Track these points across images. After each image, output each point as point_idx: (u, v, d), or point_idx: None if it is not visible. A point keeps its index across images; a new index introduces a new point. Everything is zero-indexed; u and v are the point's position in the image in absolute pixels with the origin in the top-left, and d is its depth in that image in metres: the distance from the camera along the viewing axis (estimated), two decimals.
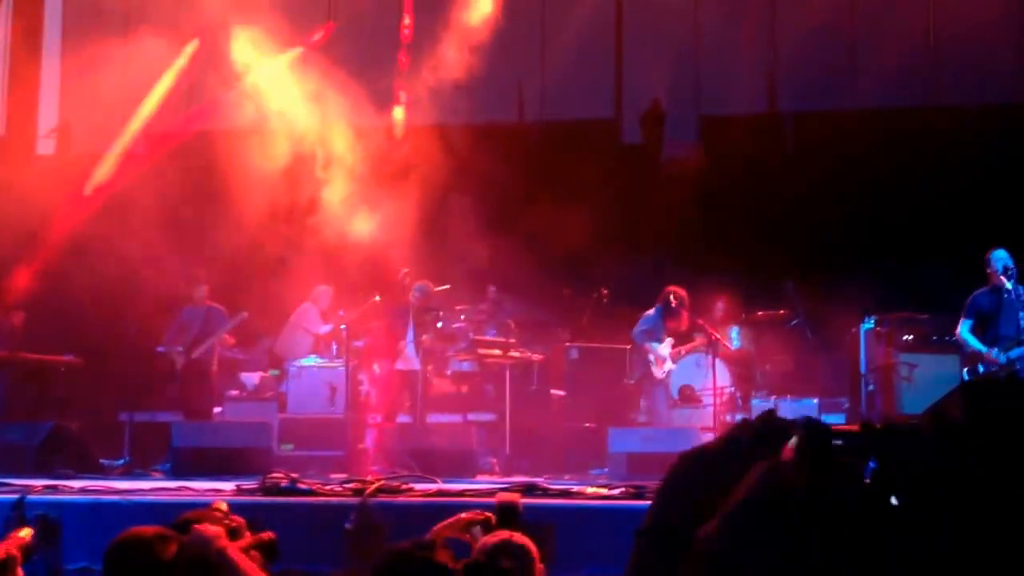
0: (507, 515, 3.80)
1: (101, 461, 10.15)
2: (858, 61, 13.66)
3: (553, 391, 11.66)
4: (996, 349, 9.47)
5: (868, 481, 1.35)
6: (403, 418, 10.83)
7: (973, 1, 12.74)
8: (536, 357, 11.62)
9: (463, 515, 4.09)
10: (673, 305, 11.08)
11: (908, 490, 1.30)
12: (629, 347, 11.55)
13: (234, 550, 3.85)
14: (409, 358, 11.01)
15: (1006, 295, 9.49)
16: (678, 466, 1.35)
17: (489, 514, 3.88)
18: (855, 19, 13.58)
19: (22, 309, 12.09)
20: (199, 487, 7.87)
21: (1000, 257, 9.53)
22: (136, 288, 11.41)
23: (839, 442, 1.38)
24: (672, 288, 11.14)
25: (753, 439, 1.38)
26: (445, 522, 4.21)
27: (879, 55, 13.34)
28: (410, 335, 11.04)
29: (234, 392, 11.95)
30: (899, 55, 13.26)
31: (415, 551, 3.35)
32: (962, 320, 9.72)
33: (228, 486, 7.76)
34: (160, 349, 11.29)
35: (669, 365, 11.21)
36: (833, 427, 1.38)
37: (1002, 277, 9.45)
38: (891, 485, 1.29)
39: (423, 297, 11.17)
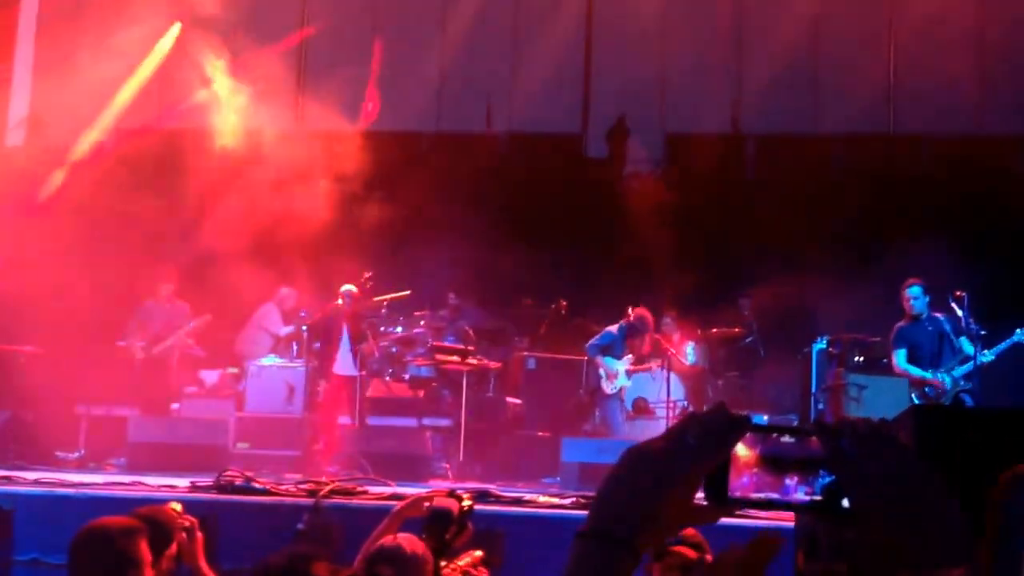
0: (439, 520, 3.77)
1: (56, 453, 10.13)
2: (821, 87, 13.91)
3: (509, 399, 11.74)
4: (940, 372, 9.74)
5: (820, 495, 1.25)
6: (344, 420, 10.91)
7: (935, 32, 13.01)
8: (493, 365, 11.70)
9: (422, 495, 4.08)
10: (639, 328, 11.27)
11: (862, 491, 1.21)
12: (586, 359, 11.69)
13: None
14: (346, 364, 11.12)
15: (927, 324, 9.87)
16: (620, 465, 1.25)
17: (454, 499, 3.80)
18: (819, 46, 13.82)
19: None
20: (154, 483, 7.88)
21: (914, 290, 9.90)
22: (98, 280, 11.39)
23: (790, 441, 1.27)
24: (641, 311, 11.32)
25: (701, 435, 1.24)
26: (404, 502, 4.23)
27: (842, 82, 13.59)
28: (345, 341, 11.14)
29: (192, 389, 11.95)
30: (861, 83, 13.53)
31: (292, 563, 3.25)
32: (895, 351, 10.03)
33: (183, 482, 7.77)
34: (120, 343, 11.30)
35: (622, 381, 11.34)
36: (783, 425, 1.35)
37: (917, 310, 9.85)
38: (845, 487, 1.23)
39: (352, 303, 11.22)
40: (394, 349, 11.71)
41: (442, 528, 3.69)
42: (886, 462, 1.22)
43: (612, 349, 11.36)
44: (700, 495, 1.26)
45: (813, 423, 1.26)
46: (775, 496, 1.28)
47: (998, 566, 0.92)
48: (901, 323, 10.08)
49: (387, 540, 3.66)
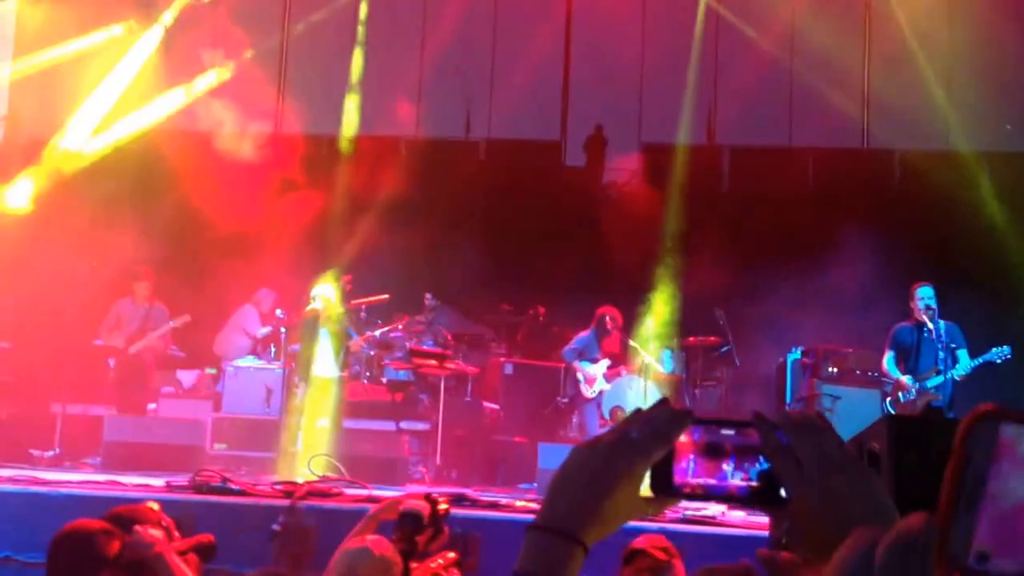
0: (409, 522, 3.77)
1: (31, 451, 10.09)
2: (795, 102, 14.06)
3: (487, 404, 11.77)
4: (910, 377, 9.83)
5: (756, 483, 1.29)
6: (322, 423, 10.90)
7: (906, 52, 13.23)
8: (471, 370, 11.72)
9: (397, 498, 4.08)
10: (608, 326, 11.38)
11: (795, 478, 1.25)
12: (564, 366, 11.75)
13: (171, 554, 3.94)
14: (327, 365, 11.09)
15: (926, 333, 9.82)
16: (568, 461, 1.31)
17: (427, 502, 3.80)
18: (794, 62, 13.98)
19: None
20: (129, 482, 7.87)
21: (925, 295, 9.82)
22: (74, 278, 11.36)
23: (730, 432, 1.31)
24: (606, 309, 11.42)
25: (644, 429, 1.29)
26: (379, 505, 4.25)
27: (815, 98, 13.75)
28: (324, 343, 11.14)
29: (169, 389, 11.92)
30: (834, 98, 13.71)
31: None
32: (886, 352, 10.07)
33: (159, 482, 7.76)
34: (97, 342, 11.25)
35: (601, 384, 11.40)
36: (724, 417, 1.34)
37: (924, 316, 9.78)
38: (780, 474, 1.26)
39: (322, 306, 11.21)
40: (372, 352, 11.73)
41: (413, 530, 3.70)
42: (817, 449, 1.26)
43: (587, 353, 11.43)
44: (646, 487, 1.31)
45: (752, 414, 1.30)
46: (714, 484, 1.32)
47: (958, 513, 0.98)
48: (899, 324, 10.11)
49: (354, 542, 3.67)
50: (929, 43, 13.36)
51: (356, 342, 11.25)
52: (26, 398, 11.09)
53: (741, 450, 1.31)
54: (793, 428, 1.28)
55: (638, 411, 1.32)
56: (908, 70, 13.26)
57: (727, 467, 1.31)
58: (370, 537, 3.71)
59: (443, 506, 3.84)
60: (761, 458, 1.30)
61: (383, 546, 3.58)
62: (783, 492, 1.28)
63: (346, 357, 11.20)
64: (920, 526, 1.09)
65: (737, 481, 1.31)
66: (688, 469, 1.31)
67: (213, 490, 7.45)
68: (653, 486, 1.30)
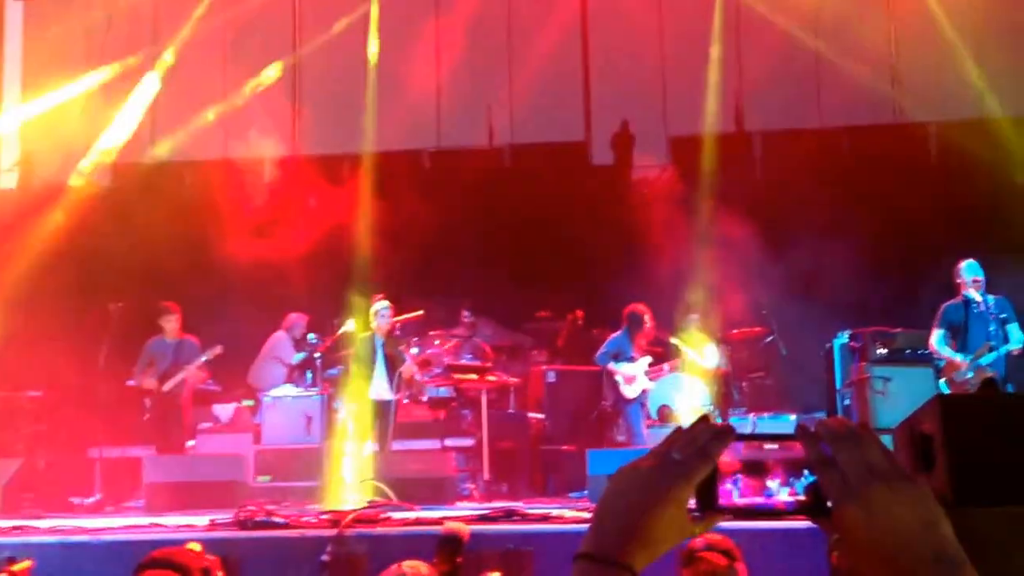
0: (449, 546, 3.68)
1: (71, 499, 9.99)
2: (823, 81, 13.80)
3: (531, 415, 11.57)
4: (964, 355, 9.55)
5: (803, 496, 1.28)
6: (370, 447, 10.68)
7: (933, 20, 12.93)
8: (513, 381, 11.54)
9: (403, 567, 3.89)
10: (639, 324, 11.12)
11: (840, 489, 1.23)
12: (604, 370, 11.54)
13: None
14: (379, 387, 10.87)
15: (975, 307, 9.60)
16: (613, 483, 1.30)
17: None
18: (818, 39, 13.71)
19: None
20: (172, 523, 7.74)
21: (970, 269, 9.63)
22: (104, 321, 11.25)
23: (773, 447, 1.31)
24: (634, 306, 11.19)
25: (686, 451, 1.27)
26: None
27: (843, 74, 13.47)
28: (380, 363, 10.89)
29: (207, 424, 11.79)
30: (862, 74, 13.41)
31: None
32: (934, 330, 9.80)
33: (202, 521, 7.64)
34: (130, 383, 11.09)
35: (642, 383, 11.13)
36: (766, 433, 1.36)
37: (971, 289, 9.56)
38: (824, 487, 1.25)
39: (386, 321, 11.01)
40: (424, 377, 11.54)
41: (453, 552, 3.65)
42: (860, 459, 1.25)
43: (622, 353, 11.16)
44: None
45: (795, 428, 1.30)
46: (760, 500, 1.32)
47: None
48: (947, 302, 9.85)
49: (392, 569, 3.62)
50: (954, 9, 13.06)
51: (408, 367, 10.99)
52: (63, 445, 11.00)
53: (785, 464, 1.32)
54: (835, 439, 1.27)
55: (678, 430, 1.32)
56: (935, 39, 12.94)
57: (772, 483, 1.33)
58: (407, 563, 3.67)
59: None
60: (806, 471, 1.30)
61: (420, 571, 3.55)
62: (830, 504, 1.27)
63: (399, 381, 10.96)
64: None
65: (784, 496, 1.32)
66: (733, 487, 1.33)
67: (258, 525, 7.31)
68: (698, 505, 1.31)
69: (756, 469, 1.32)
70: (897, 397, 10.15)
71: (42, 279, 12.05)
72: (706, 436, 1.29)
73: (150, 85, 13.17)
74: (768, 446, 1.33)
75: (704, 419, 1.32)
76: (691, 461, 1.28)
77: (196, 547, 4.14)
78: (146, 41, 13.28)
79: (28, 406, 11.31)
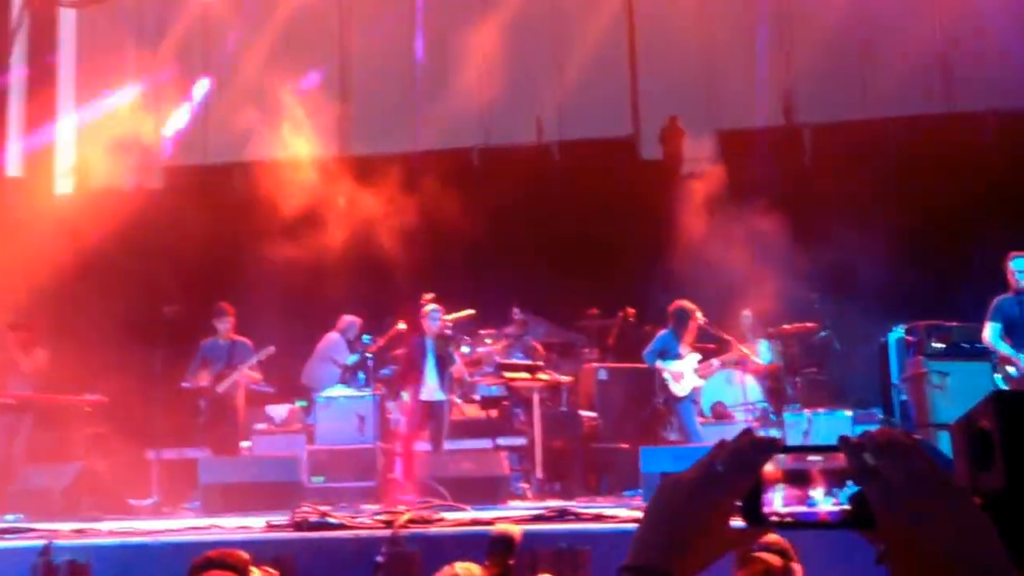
0: (500, 547, 3.65)
1: (129, 501, 10.08)
2: (872, 71, 13.60)
3: (583, 413, 11.50)
4: (1015, 351, 9.37)
5: (847, 506, 1.27)
6: (422, 446, 10.69)
7: (984, 7, 12.68)
8: (564, 379, 11.48)
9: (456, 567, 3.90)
10: (682, 319, 10.98)
11: (892, 508, 1.22)
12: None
13: None
14: (430, 388, 10.86)
15: None
16: (657, 496, 1.30)
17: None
18: (867, 28, 13.51)
19: (46, 349, 11.99)
20: (229, 524, 7.79)
21: (1017, 267, 9.49)
22: (158, 322, 11.36)
23: (817, 458, 1.30)
24: (678, 303, 11.05)
25: (730, 463, 1.28)
26: None
27: (892, 64, 13.27)
28: (431, 364, 10.91)
29: (261, 426, 11.87)
30: (912, 63, 13.20)
31: None
32: (989, 324, 9.62)
33: (258, 522, 7.67)
34: (185, 384, 11.18)
35: (692, 380, 10.98)
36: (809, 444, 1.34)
37: (1018, 288, 9.42)
38: (870, 499, 1.24)
39: (437, 323, 11.00)
40: (474, 378, 11.55)
41: (504, 554, 3.62)
42: (903, 469, 1.24)
43: (669, 351, 11.03)
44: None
45: (839, 439, 1.30)
46: (804, 511, 1.32)
47: None
48: (1002, 295, 9.68)
49: (444, 570, 3.61)
50: None
51: (458, 368, 11.00)
52: (121, 448, 11.11)
53: (829, 475, 1.31)
54: (878, 449, 1.26)
55: (722, 443, 1.31)
56: (981, 25, 12.69)
57: (816, 493, 1.32)
58: (459, 564, 3.66)
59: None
60: (850, 482, 1.29)
61: (474, 572, 3.54)
62: (875, 514, 1.26)
63: (450, 381, 10.97)
64: None
65: (828, 507, 1.32)
66: (777, 498, 1.32)
67: (313, 526, 7.31)
68: (743, 517, 1.31)
69: (799, 479, 1.32)
70: (955, 392, 10.01)
71: (98, 283, 12.20)
72: (750, 448, 1.30)
73: (200, 88, 13.29)
74: (812, 458, 1.33)
75: (747, 432, 1.32)
76: (735, 473, 1.29)
77: (244, 555, 4.18)
78: (196, 46, 13.39)
79: (87, 410, 11.45)
